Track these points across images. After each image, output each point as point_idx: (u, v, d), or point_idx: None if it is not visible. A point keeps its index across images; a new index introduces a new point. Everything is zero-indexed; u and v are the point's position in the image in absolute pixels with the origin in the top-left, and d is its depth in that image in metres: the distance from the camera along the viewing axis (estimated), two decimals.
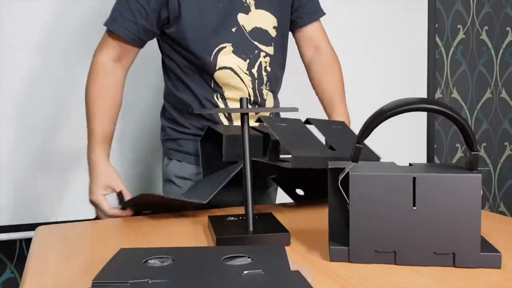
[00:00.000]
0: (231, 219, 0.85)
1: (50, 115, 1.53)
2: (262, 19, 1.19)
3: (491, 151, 2.30)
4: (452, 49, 2.18)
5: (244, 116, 0.80)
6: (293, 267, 0.60)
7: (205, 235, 0.84)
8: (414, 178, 0.67)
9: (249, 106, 1.18)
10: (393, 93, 1.91)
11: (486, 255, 0.67)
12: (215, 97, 1.18)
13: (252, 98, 1.19)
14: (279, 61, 1.25)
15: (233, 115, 1.19)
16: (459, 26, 2.18)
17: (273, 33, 1.21)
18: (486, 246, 0.70)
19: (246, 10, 1.16)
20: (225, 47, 1.14)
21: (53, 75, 1.52)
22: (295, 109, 0.82)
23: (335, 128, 1.09)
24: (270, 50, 1.20)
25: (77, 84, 1.53)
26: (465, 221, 0.67)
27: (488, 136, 2.28)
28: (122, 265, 0.60)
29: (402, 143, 1.87)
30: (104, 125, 1.10)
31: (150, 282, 0.52)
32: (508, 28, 2.28)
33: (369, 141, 0.82)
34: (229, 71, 1.16)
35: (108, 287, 0.52)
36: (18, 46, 1.48)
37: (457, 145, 2.21)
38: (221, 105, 1.17)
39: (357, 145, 0.70)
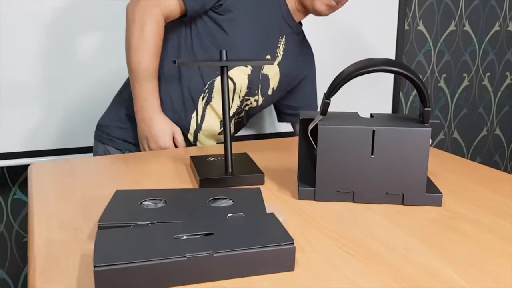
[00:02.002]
0: (211, 159, 0.94)
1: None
2: (273, 76, 1.29)
3: (450, 82, 2.43)
4: None
5: (223, 68, 0.86)
6: (268, 209, 0.70)
7: (188, 174, 0.93)
8: (374, 131, 0.77)
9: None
10: (364, 26, 1.98)
11: (429, 195, 0.80)
12: (201, 97, 1.22)
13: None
14: (257, 110, 1.35)
15: (203, 125, 1.24)
16: None
17: (270, 91, 1.31)
18: (430, 187, 0.83)
19: (273, 58, 1.25)
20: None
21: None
22: (270, 62, 0.89)
23: None
24: (260, 100, 1.31)
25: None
26: (414, 167, 0.78)
27: (449, 68, 2.39)
28: (121, 207, 0.69)
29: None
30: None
31: (149, 224, 0.62)
32: None
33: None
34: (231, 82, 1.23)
35: (112, 228, 0.61)
36: None
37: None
38: (200, 108, 1.22)
39: (326, 100, 0.79)
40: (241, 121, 1.35)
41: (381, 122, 0.80)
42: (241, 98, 1.27)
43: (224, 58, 0.87)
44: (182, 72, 1.20)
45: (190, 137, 1.24)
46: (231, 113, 1.27)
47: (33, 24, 1.53)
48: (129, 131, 1.24)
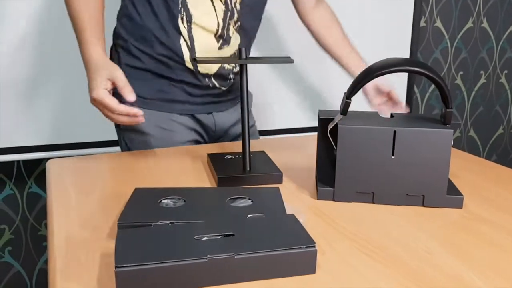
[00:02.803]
0: (229, 157, 0.94)
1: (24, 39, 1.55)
2: None
3: (467, 79, 2.40)
4: None
5: (242, 67, 0.86)
6: (287, 209, 0.70)
7: (205, 171, 0.93)
8: (395, 132, 0.76)
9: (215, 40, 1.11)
10: (378, 22, 1.96)
11: (450, 197, 0.79)
12: (179, 19, 1.08)
13: (219, 31, 1.10)
14: (254, 5, 1.16)
15: (197, 47, 1.10)
16: None
17: None
18: (451, 189, 0.81)
19: None
20: None
21: None
22: (290, 60, 0.88)
23: None
24: None
25: None
26: (435, 168, 0.77)
27: (466, 65, 2.36)
28: (140, 206, 0.69)
29: None
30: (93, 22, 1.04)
31: (169, 224, 0.62)
32: None
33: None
34: None
35: (132, 228, 0.61)
36: None
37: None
38: (184, 30, 1.09)
39: (347, 100, 0.78)
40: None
41: (402, 123, 0.79)
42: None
43: (244, 56, 0.86)
44: (151, 1, 1.10)
45: (189, 65, 1.11)
46: (226, 20, 1.10)
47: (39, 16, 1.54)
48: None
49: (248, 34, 1.18)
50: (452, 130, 0.76)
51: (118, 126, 1.19)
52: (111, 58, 1.18)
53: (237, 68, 1.18)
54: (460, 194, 0.79)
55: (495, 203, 0.82)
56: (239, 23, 1.14)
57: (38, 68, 1.55)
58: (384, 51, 1.98)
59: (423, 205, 0.79)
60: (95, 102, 0.96)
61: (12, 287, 1.81)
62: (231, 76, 1.19)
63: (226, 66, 1.15)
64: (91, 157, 1.01)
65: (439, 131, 0.76)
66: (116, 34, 1.17)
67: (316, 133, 0.89)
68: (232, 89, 1.22)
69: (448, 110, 0.77)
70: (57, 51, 1.56)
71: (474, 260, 0.63)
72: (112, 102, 0.94)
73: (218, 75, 1.15)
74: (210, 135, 1.22)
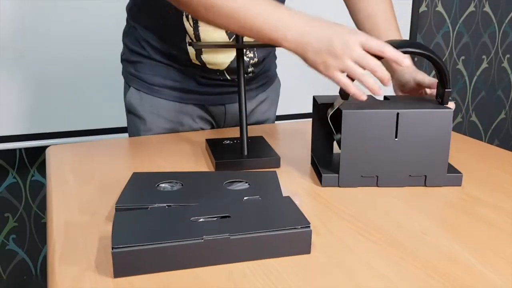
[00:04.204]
0: (227, 142, 0.94)
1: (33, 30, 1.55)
2: None
3: (469, 64, 2.38)
4: None
5: (239, 52, 0.86)
6: (284, 192, 0.70)
7: (204, 156, 0.93)
8: (398, 114, 0.76)
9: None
10: None
11: (450, 175, 0.79)
12: (184, 17, 1.00)
13: None
14: None
15: (202, 34, 1.01)
16: None
17: None
18: (450, 168, 0.82)
19: None
20: None
21: None
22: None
23: None
24: None
25: None
26: (437, 148, 0.77)
27: (467, 49, 2.35)
28: (138, 190, 0.70)
29: None
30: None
31: (166, 206, 0.62)
32: None
33: None
34: None
35: (130, 211, 0.61)
36: None
37: None
38: (190, 28, 1.01)
39: None
40: None
41: (402, 105, 0.79)
42: None
43: (240, 41, 0.86)
44: None
45: (196, 62, 1.04)
46: None
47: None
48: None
49: None
50: (452, 110, 0.76)
51: (128, 111, 1.14)
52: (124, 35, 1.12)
53: (256, 60, 1.08)
54: (459, 172, 0.80)
55: (494, 185, 0.82)
56: None
57: (39, 57, 1.55)
58: None
59: (425, 185, 0.79)
60: (356, 49, 0.73)
61: (17, 275, 1.83)
62: (250, 69, 1.09)
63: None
64: (90, 144, 1.02)
65: (441, 111, 0.76)
66: (128, 14, 1.09)
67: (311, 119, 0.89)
68: (253, 79, 1.14)
69: (446, 90, 0.77)
70: (58, 44, 1.56)
71: (471, 241, 0.63)
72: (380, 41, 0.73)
73: (232, 71, 1.06)
74: (219, 125, 1.18)
